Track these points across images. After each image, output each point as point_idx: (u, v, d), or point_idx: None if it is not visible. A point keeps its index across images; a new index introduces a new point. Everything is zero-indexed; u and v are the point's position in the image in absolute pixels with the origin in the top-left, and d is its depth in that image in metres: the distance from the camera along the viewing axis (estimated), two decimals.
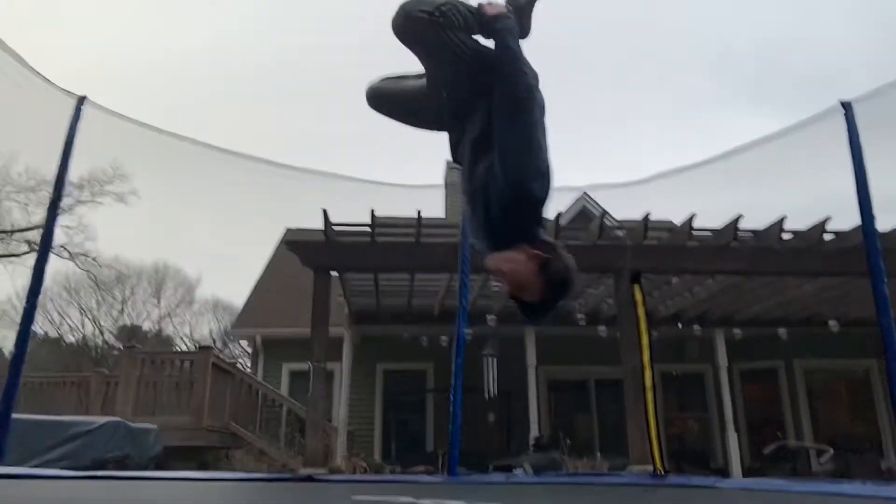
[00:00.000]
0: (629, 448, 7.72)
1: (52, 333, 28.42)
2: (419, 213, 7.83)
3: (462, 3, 2.01)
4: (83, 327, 29.25)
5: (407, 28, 1.94)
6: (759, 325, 11.36)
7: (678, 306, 10.84)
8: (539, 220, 1.88)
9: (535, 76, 1.96)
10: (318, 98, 43.50)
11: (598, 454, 10.33)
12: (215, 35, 38.92)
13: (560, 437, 9.97)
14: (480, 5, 2.04)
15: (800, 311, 10.96)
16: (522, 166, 1.81)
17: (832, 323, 10.67)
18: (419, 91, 2.19)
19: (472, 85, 2.02)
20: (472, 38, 2.05)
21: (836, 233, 8.18)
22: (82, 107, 5.62)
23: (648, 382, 7.26)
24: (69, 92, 5.62)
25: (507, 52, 1.97)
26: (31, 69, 5.41)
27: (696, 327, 11.09)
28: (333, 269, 8.43)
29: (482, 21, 2.02)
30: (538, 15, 2.20)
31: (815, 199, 8.46)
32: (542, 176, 1.84)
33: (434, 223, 9.32)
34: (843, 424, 12.65)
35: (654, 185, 7.85)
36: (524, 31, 2.15)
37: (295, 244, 8.48)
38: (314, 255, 8.12)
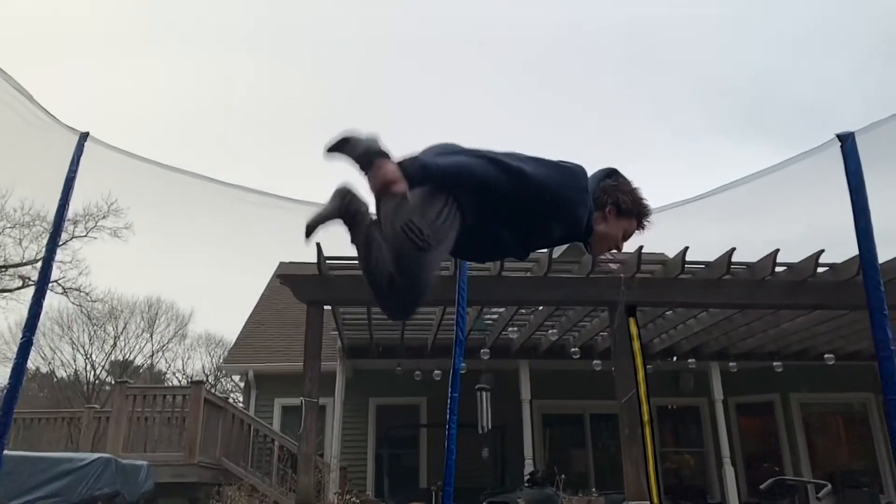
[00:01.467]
0: (625, 483, 7.64)
1: (44, 368, 28.19)
2: None
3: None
4: (75, 362, 29.02)
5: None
6: (755, 359, 11.35)
7: (672, 340, 10.81)
8: (584, 203, 2.05)
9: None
10: (314, 132, 43.82)
11: (594, 489, 10.22)
12: (217, 68, 39.32)
13: (555, 472, 9.87)
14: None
15: (794, 344, 10.95)
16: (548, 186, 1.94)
17: (828, 356, 10.66)
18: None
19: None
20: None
21: (829, 265, 8.21)
22: (85, 143, 5.62)
23: (645, 417, 7.21)
24: (72, 128, 5.63)
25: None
26: (36, 103, 5.42)
27: (691, 361, 11.07)
28: (327, 303, 8.40)
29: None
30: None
31: (808, 232, 8.52)
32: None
33: None
34: (840, 459, 12.56)
35: (648, 218, 7.89)
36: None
37: (288, 278, 8.45)
38: (307, 288, 8.10)
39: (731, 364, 11.23)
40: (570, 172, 2.03)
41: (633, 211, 2.20)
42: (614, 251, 2.28)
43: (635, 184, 2.27)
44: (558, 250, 9.03)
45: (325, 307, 8.35)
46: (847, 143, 5.54)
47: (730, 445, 11.02)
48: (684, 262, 8.23)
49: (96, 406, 13.10)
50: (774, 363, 11.19)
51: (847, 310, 8.75)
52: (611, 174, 2.26)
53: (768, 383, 12.09)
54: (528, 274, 8.30)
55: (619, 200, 2.18)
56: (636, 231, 2.27)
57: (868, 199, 5.45)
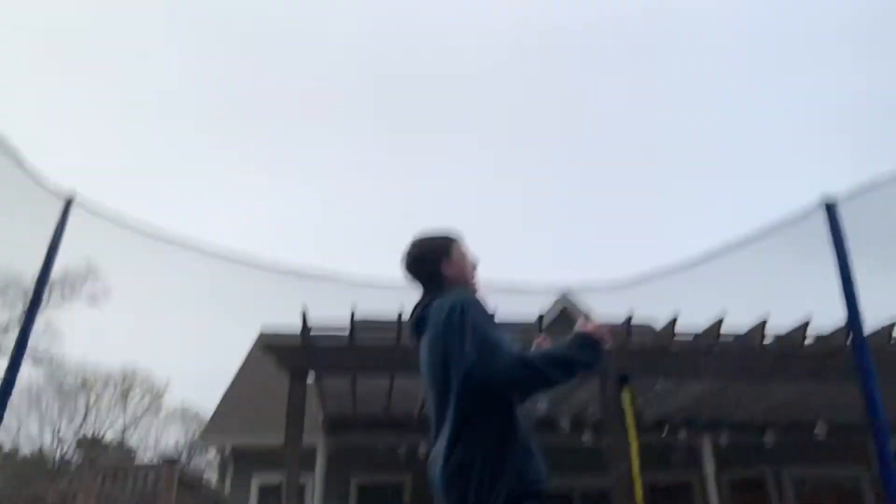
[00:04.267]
0: None
1: (7, 446, 27.08)
2: (399, 314, 7.69)
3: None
4: (41, 438, 27.95)
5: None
6: (746, 431, 11.17)
7: (663, 412, 10.62)
8: None
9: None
10: (301, 193, 44.05)
11: None
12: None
13: None
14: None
15: (786, 417, 10.80)
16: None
17: (818, 429, 10.52)
18: None
19: None
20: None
21: (817, 336, 8.16)
22: (70, 208, 5.45)
23: (639, 495, 6.96)
24: (57, 193, 5.48)
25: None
26: (19, 162, 5.27)
27: (682, 434, 10.86)
28: (311, 370, 8.18)
29: None
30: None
31: (796, 301, 8.49)
32: None
33: None
34: None
35: (637, 287, 7.84)
36: None
37: (271, 346, 8.23)
38: (291, 356, 7.88)
39: (722, 437, 11.03)
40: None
41: (445, 242, 2.46)
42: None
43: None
44: (548, 318, 8.90)
45: (308, 381, 8.12)
46: (831, 210, 5.58)
47: None
48: (673, 331, 8.15)
49: (62, 486, 12.49)
50: (766, 437, 11.02)
51: (837, 380, 8.65)
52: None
53: (761, 458, 11.87)
54: (519, 343, 8.14)
55: (432, 258, 2.43)
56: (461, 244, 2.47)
57: (852, 267, 5.47)
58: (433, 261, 2.40)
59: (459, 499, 2.04)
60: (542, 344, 2.46)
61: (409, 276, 2.48)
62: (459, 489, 2.05)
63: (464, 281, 2.41)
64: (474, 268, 2.50)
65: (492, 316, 2.25)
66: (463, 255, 2.45)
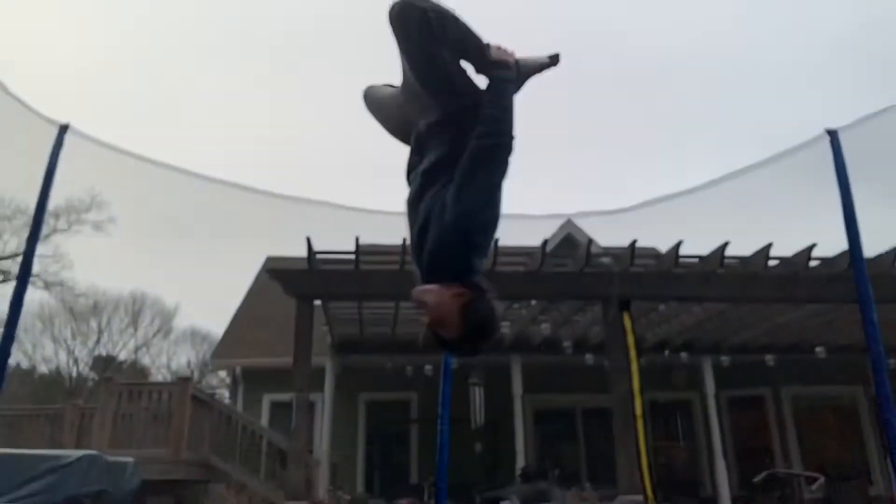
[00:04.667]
0: (618, 478, 7.59)
1: (25, 364, 27.82)
2: (404, 240, 7.72)
3: (469, 29, 1.93)
4: (57, 358, 28.67)
5: (400, 14, 1.85)
6: (746, 353, 11.35)
7: (665, 334, 10.77)
8: (475, 265, 1.85)
9: (514, 137, 1.91)
10: (302, 123, 43.57)
11: (587, 484, 10.17)
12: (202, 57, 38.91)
13: (547, 468, 9.80)
14: (490, 45, 1.98)
15: (786, 338, 10.95)
16: (474, 216, 1.79)
17: (819, 349, 10.67)
18: (397, 99, 2.15)
19: (442, 110, 1.97)
20: (459, 64, 1.98)
21: (821, 259, 8.19)
22: (65, 135, 5.44)
23: (638, 411, 7.16)
24: (51, 119, 5.45)
25: (501, 101, 1.92)
26: (11, 94, 5.24)
27: (684, 355, 11.04)
28: (317, 298, 8.28)
29: (483, 58, 1.96)
30: None
31: (801, 226, 8.49)
32: (488, 230, 1.85)
33: None
34: (831, 451, 12.59)
35: (641, 212, 7.82)
36: (517, 90, 2.08)
37: (277, 272, 8.31)
38: (297, 283, 7.96)
39: (723, 358, 11.21)
40: (493, 213, 1.86)
41: (473, 322, 1.82)
42: (421, 310, 1.94)
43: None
44: (552, 243, 8.93)
45: (315, 302, 8.23)
46: (834, 139, 5.52)
47: (722, 439, 11.02)
48: (678, 256, 8.18)
49: (80, 402, 12.88)
50: (766, 357, 11.19)
51: (838, 303, 8.72)
52: None
53: (760, 377, 12.10)
54: (522, 268, 8.21)
55: (475, 307, 1.80)
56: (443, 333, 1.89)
57: (854, 194, 5.45)
58: None
59: None
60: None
61: None
62: None
63: None
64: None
65: None
66: None
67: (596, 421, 12.20)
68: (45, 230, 17.51)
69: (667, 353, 11.18)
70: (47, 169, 5.34)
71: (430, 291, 1.82)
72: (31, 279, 6.13)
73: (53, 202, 5.51)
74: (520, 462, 10.32)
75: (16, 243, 20.43)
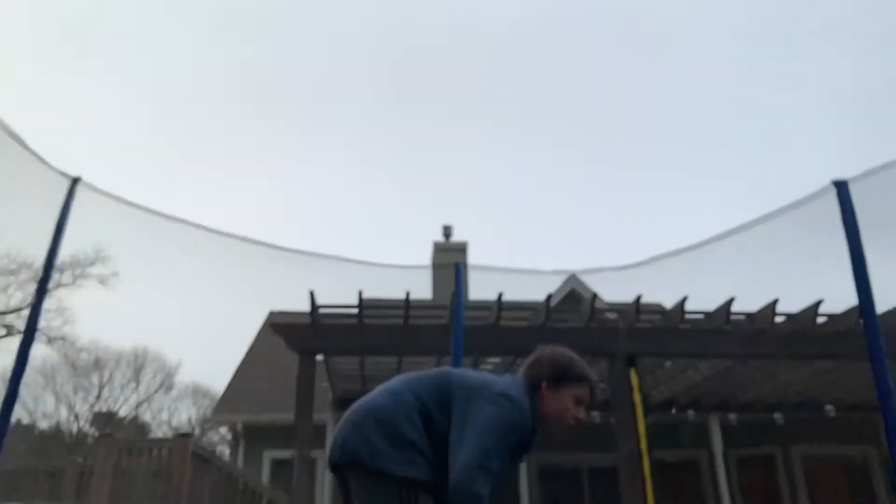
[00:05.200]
0: None
1: (26, 420, 27.51)
2: (408, 294, 7.71)
3: None
4: (58, 413, 28.36)
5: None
6: (755, 411, 11.17)
7: (672, 391, 10.63)
8: None
9: None
10: (307, 179, 44.06)
11: None
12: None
13: None
14: None
15: (794, 396, 10.79)
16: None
17: (828, 408, 10.50)
18: None
19: None
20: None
21: (829, 315, 8.12)
22: (76, 188, 5.49)
23: (646, 471, 7.01)
24: (63, 173, 5.51)
25: None
26: (25, 146, 5.30)
27: (691, 413, 10.87)
28: (319, 353, 8.22)
29: None
30: None
31: (806, 282, 8.45)
32: None
33: (422, 305, 9.18)
34: None
35: (645, 268, 7.81)
36: None
37: (280, 327, 8.27)
38: (300, 338, 7.92)
39: (730, 416, 11.03)
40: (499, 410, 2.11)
41: (569, 373, 2.28)
42: (575, 419, 2.29)
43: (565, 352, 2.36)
44: (556, 298, 8.90)
45: (317, 357, 8.17)
46: (842, 190, 5.52)
47: (731, 500, 10.75)
48: (683, 311, 8.13)
49: (79, 459, 12.70)
50: (775, 415, 11.01)
51: (847, 360, 8.61)
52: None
53: (769, 436, 11.88)
54: (526, 323, 8.16)
55: (544, 372, 2.28)
56: (588, 392, 2.30)
57: (864, 247, 5.43)
58: (538, 374, 2.33)
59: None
60: None
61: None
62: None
63: (549, 412, 2.29)
64: (574, 417, 2.32)
65: (514, 450, 2.18)
66: (568, 397, 2.30)
67: (602, 480, 11.91)
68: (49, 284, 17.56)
69: (674, 410, 11.01)
70: (58, 222, 5.37)
71: (544, 406, 2.27)
72: (35, 334, 6.12)
73: (59, 256, 5.53)
74: None
75: (20, 297, 20.46)
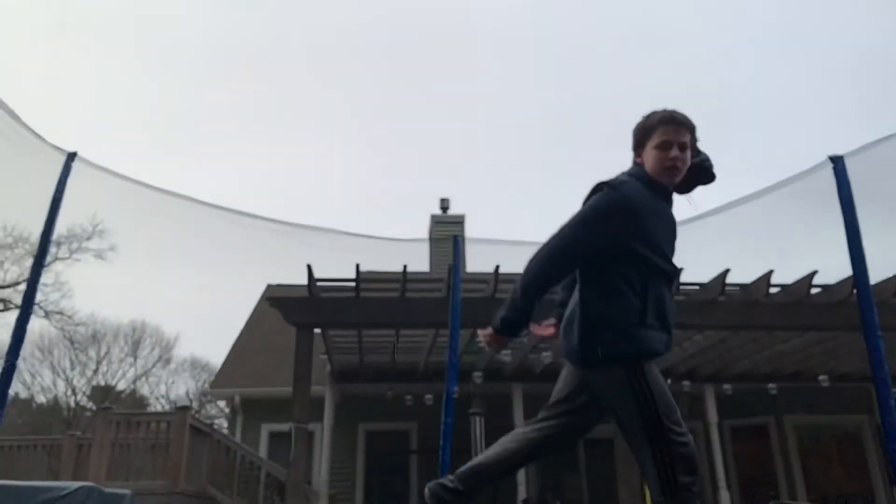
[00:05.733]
0: None
1: (24, 394, 27.62)
2: (405, 267, 7.71)
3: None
4: (55, 387, 28.46)
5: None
6: (749, 381, 11.27)
7: (667, 362, 10.70)
8: None
9: None
10: (307, 150, 43.81)
11: None
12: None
13: (549, 498, 9.67)
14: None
15: (788, 366, 10.89)
16: None
17: (822, 378, 10.60)
18: None
19: None
20: None
21: (823, 286, 8.17)
22: (72, 163, 5.46)
23: None
24: (59, 147, 5.47)
25: None
26: (21, 122, 5.26)
27: (686, 383, 10.96)
28: (317, 326, 8.25)
29: None
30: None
31: (801, 253, 8.49)
32: None
33: (419, 278, 9.19)
34: (835, 481, 12.44)
35: None
36: None
37: (277, 300, 8.29)
38: (297, 311, 7.94)
39: (725, 386, 11.13)
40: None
41: (639, 134, 2.34)
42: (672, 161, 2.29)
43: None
44: None
45: (315, 330, 8.19)
46: (838, 165, 5.53)
47: (725, 469, 10.89)
48: (679, 283, 8.16)
49: (77, 433, 12.77)
50: (769, 385, 11.11)
51: (841, 330, 8.69)
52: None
53: (763, 406, 12.01)
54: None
55: (632, 146, 2.36)
56: (662, 133, 2.29)
57: (858, 220, 5.45)
58: (634, 148, 2.39)
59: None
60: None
61: None
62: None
63: (651, 173, 2.30)
64: (669, 160, 2.28)
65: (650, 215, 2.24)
66: (656, 147, 2.29)
67: (598, 451, 12.04)
68: (46, 258, 17.50)
69: (669, 381, 11.02)
70: (54, 197, 5.35)
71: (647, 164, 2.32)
72: (32, 308, 6.13)
73: (56, 230, 5.52)
74: (521, 493, 10.19)
75: (17, 272, 20.42)
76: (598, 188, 2.23)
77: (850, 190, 5.34)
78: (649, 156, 2.29)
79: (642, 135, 2.34)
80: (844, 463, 12.75)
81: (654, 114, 2.34)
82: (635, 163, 2.37)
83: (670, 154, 2.26)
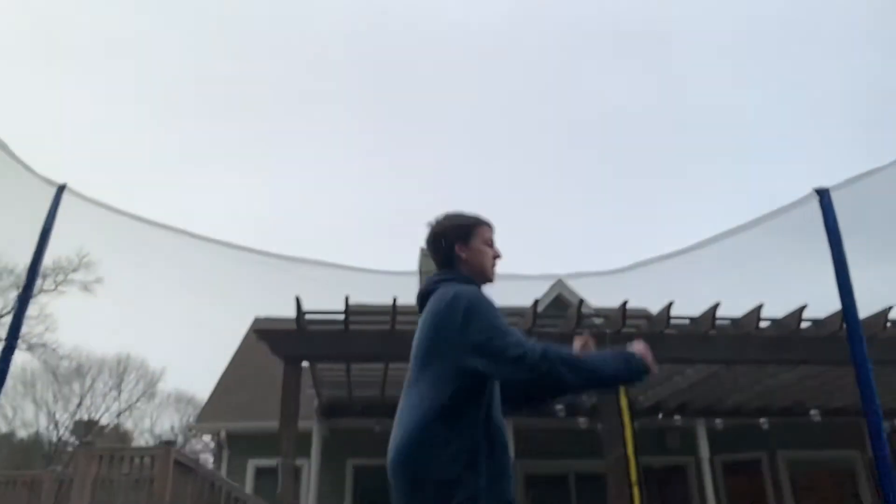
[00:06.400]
0: None
1: (4, 429, 27.12)
2: (395, 299, 7.66)
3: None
4: (37, 422, 27.95)
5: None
6: (741, 416, 11.21)
7: (658, 396, 10.65)
8: None
9: None
10: (295, 181, 43.87)
11: None
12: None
13: None
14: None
15: (780, 401, 10.85)
16: None
17: (813, 412, 10.56)
18: None
19: None
20: None
21: (813, 320, 8.17)
22: (62, 195, 5.41)
23: (634, 476, 7.00)
24: (49, 179, 5.43)
25: None
26: (11, 154, 5.22)
27: (677, 418, 10.89)
28: (305, 359, 8.14)
29: None
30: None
31: (792, 286, 8.51)
32: None
33: (409, 310, 9.13)
34: None
35: (631, 273, 7.82)
36: None
37: (265, 333, 8.19)
38: (285, 344, 7.84)
39: (717, 421, 11.06)
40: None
41: (467, 224, 2.31)
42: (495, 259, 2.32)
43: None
44: (543, 303, 8.89)
45: (303, 364, 8.09)
46: (824, 197, 5.57)
47: None
48: (669, 317, 8.14)
49: (58, 468, 12.49)
50: (761, 420, 11.06)
51: (832, 365, 8.67)
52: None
53: (755, 441, 11.93)
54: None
55: (451, 237, 2.27)
56: (488, 228, 2.33)
57: (846, 253, 5.47)
58: (450, 241, 2.29)
59: (409, 494, 1.93)
60: (586, 345, 2.34)
61: (428, 251, 2.38)
62: (413, 484, 1.93)
63: (478, 268, 2.28)
64: (495, 258, 2.33)
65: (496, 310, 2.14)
66: (484, 243, 2.30)
67: (589, 486, 11.91)
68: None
69: (660, 416, 11.03)
70: (43, 228, 5.28)
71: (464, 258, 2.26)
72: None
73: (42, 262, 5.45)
74: None
75: (1, 304, 20.18)
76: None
77: (837, 223, 5.36)
78: (475, 249, 2.30)
79: (467, 226, 2.33)
80: (837, 498, 12.63)
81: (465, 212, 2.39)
82: (444, 259, 2.32)
83: (498, 253, 2.38)
